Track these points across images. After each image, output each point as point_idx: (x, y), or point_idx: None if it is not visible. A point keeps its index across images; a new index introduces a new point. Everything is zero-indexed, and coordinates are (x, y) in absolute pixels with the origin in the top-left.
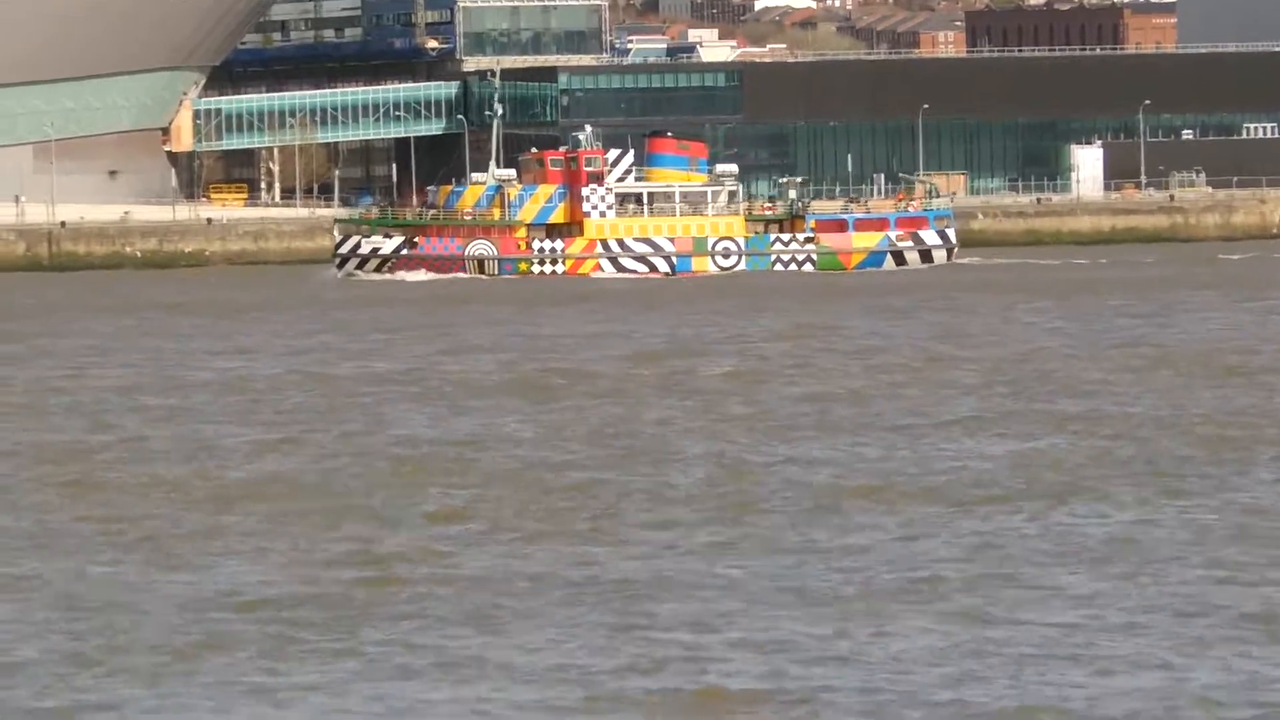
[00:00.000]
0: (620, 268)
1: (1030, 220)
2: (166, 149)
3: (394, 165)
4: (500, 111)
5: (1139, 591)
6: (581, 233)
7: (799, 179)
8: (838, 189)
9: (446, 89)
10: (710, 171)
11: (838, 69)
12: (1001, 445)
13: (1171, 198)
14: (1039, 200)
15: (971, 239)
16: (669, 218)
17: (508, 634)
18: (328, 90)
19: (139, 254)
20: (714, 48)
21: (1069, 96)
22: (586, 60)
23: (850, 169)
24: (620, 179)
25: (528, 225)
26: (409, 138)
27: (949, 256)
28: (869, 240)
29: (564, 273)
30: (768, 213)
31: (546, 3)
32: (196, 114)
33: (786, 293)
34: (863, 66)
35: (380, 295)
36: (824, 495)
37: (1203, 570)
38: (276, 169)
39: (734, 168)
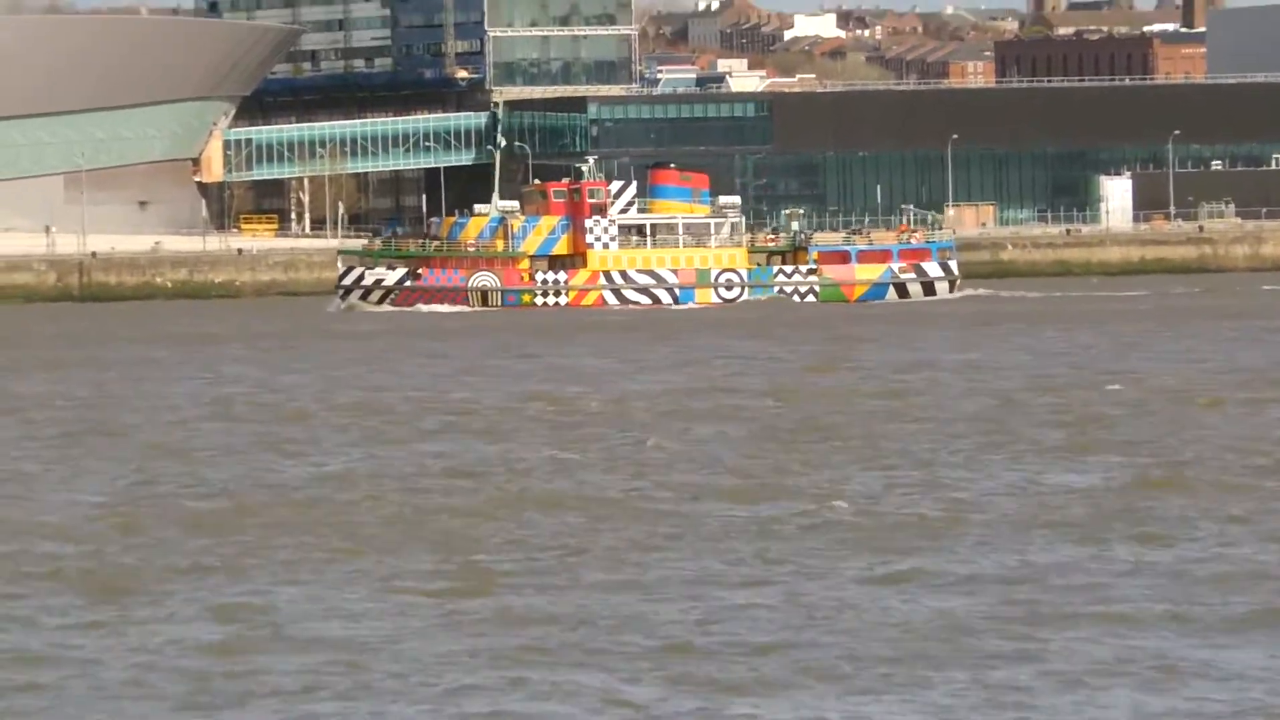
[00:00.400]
0: (623, 299)
1: (1060, 251)
2: (197, 179)
3: (424, 195)
4: (503, 143)
5: None
6: (585, 264)
7: (800, 210)
8: (867, 219)
9: (476, 119)
10: (713, 203)
11: (867, 99)
12: None
13: (1200, 229)
14: (1068, 231)
15: (1001, 270)
16: (672, 249)
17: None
18: (358, 120)
19: (170, 284)
20: (743, 78)
21: (1098, 127)
22: (616, 90)
23: (880, 199)
24: (623, 210)
25: (531, 257)
26: (439, 168)
27: (951, 288)
28: (872, 272)
29: (567, 304)
30: (770, 244)
31: (576, 33)
32: (227, 144)
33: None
34: (892, 97)
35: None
36: None
37: None
38: (307, 199)
39: (736, 199)
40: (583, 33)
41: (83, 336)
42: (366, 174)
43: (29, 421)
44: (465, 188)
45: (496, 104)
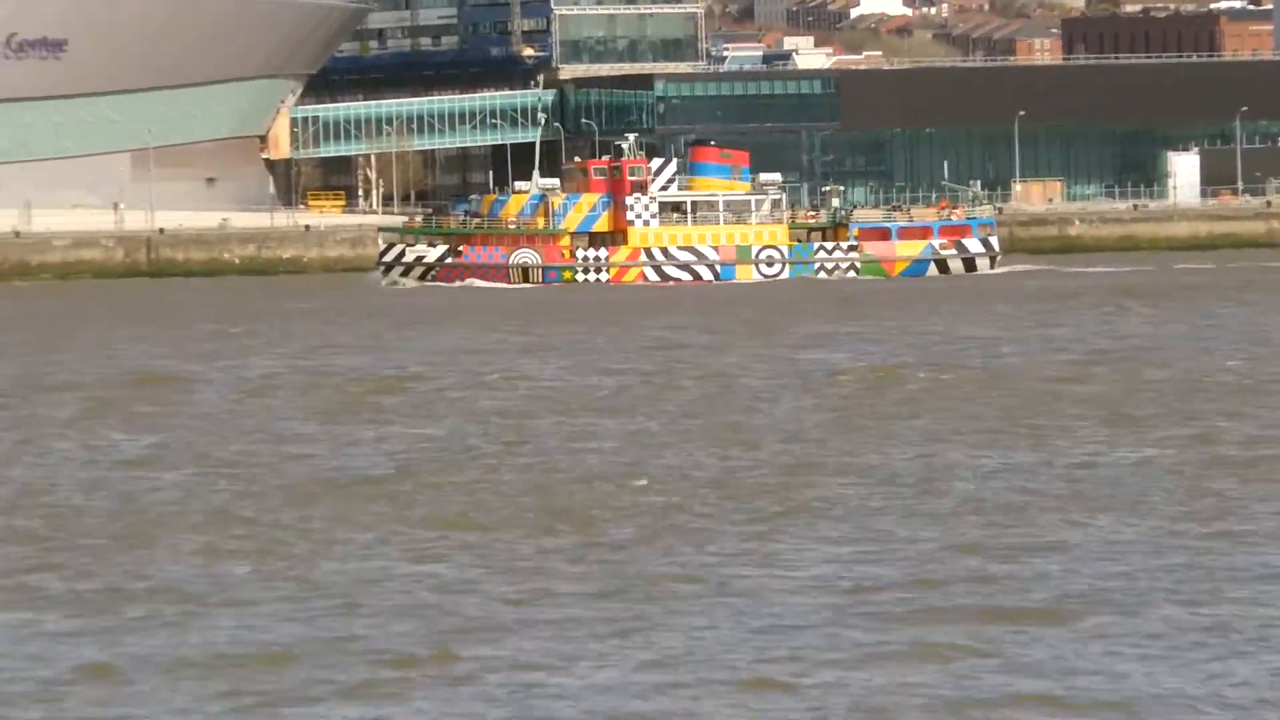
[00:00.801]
0: (664, 276)
1: (1127, 226)
2: (264, 156)
3: (491, 172)
4: (543, 120)
5: None
6: (625, 241)
7: (840, 187)
8: (934, 195)
9: (543, 96)
10: (753, 180)
11: (934, 76)
12: None
13: (1268, 204)
14: (1135, 207)
15: (1068, 245)
16: (713, 226)
17: None
18: (424, 98)
19: (237, 260)
20: (810, 55)
21: (1165, 103)
22: (683, 68)
23: (947, 176)
24: (663, 188)
25: (571, 234)
26: (505, 145)
27: (992, 264)
28: (912, 249)
29: (608, 281)
30: (811, 221)
31: (643, 10)
32: (294, 121)
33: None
34: (959, 73)
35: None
36: None
37: None
38: (374, 176)
39: (777, 176)
40: (649, 10)
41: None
42: (433, 151)
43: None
44: (524, 163)
45: (536, 82)
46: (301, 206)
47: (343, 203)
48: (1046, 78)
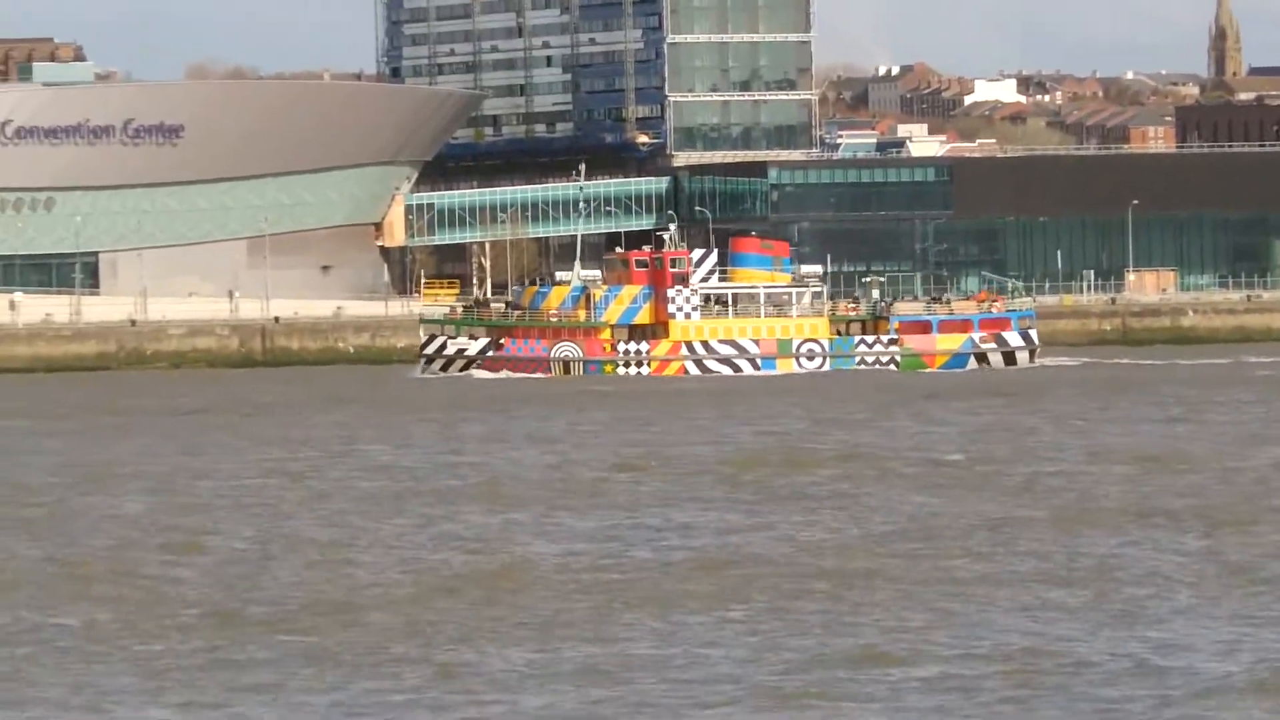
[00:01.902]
0: (705, 369)
1: (1240, 317)
2: (379, 244)
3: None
4: (585, 212)
5: None
6: (666, 334)
7: (882, 279)
8: (1047, 285)
9: (657, 184)
10: (794, 272)
11: (1047, 164)
12: None
13: None
14: (1249, 297)
15: (1181, 336)
16: (753, 319)
17: None
18: (539, 185)
19: (352, 349)
20: (924, 143)
21: (1279, 192)
22: (796, 155)
23: (1060, 265)
24: (704, 279)
25: (612, 326)
26: (619, 232)
27: (1031, 358)
28: (953, 342)
29: (649, 374)
30: (851, 314)
31: (757, 98)
32: (409, 209)
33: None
34: (1072, 161)
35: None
36: None
37: None
38: (488, 264)
39: (818, 268)
40: (763, 98)
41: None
42: (548, 238)
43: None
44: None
45: (577, 172)
46: (416, 295)
47: (456, 291)
48: (1160, 166)
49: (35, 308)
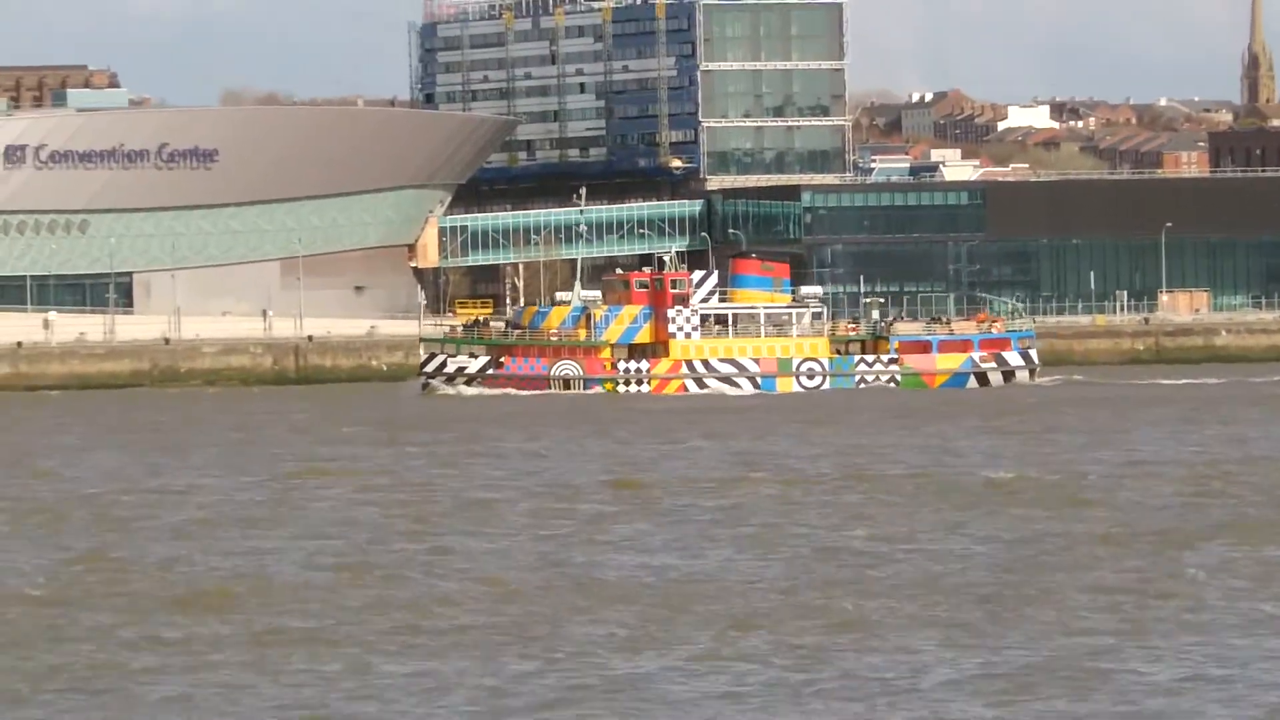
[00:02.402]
0: (705, 388)
1: (1273, 337)
2: (412, 265)
3: None
4: (585, 234)
5: None
6: (666, 353)
7: (880, 299)
8: (1080, 305)
9: (690, 207)
10: (794, 292)
11: (1080, 188)
12: None
13: None
14: None
15: (1214, 355)
16: (753, 339)
17: None
18: (572, 208)
19: (385, 367)
20: (957, 167)
21: None
22: (830, 179)
23: (1093, 285)
24: (704, 300)
25: (613, 345)
26: (652, 255)
27: (1031, 377)
28: (953, 361)
29: (649, 393)
30: (851, 334)
31: (790, 123)
32: (442, 231)
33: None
34: (1105, 185)
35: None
36: None
37: None
38: (521, 285)
39: (818, 289)
40: (796, 124)
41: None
42: (580, 260)
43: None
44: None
45: (579, 195)
46: (450, 315)
47: (490, 311)
48: (1193, 189)
49: (69, 327)
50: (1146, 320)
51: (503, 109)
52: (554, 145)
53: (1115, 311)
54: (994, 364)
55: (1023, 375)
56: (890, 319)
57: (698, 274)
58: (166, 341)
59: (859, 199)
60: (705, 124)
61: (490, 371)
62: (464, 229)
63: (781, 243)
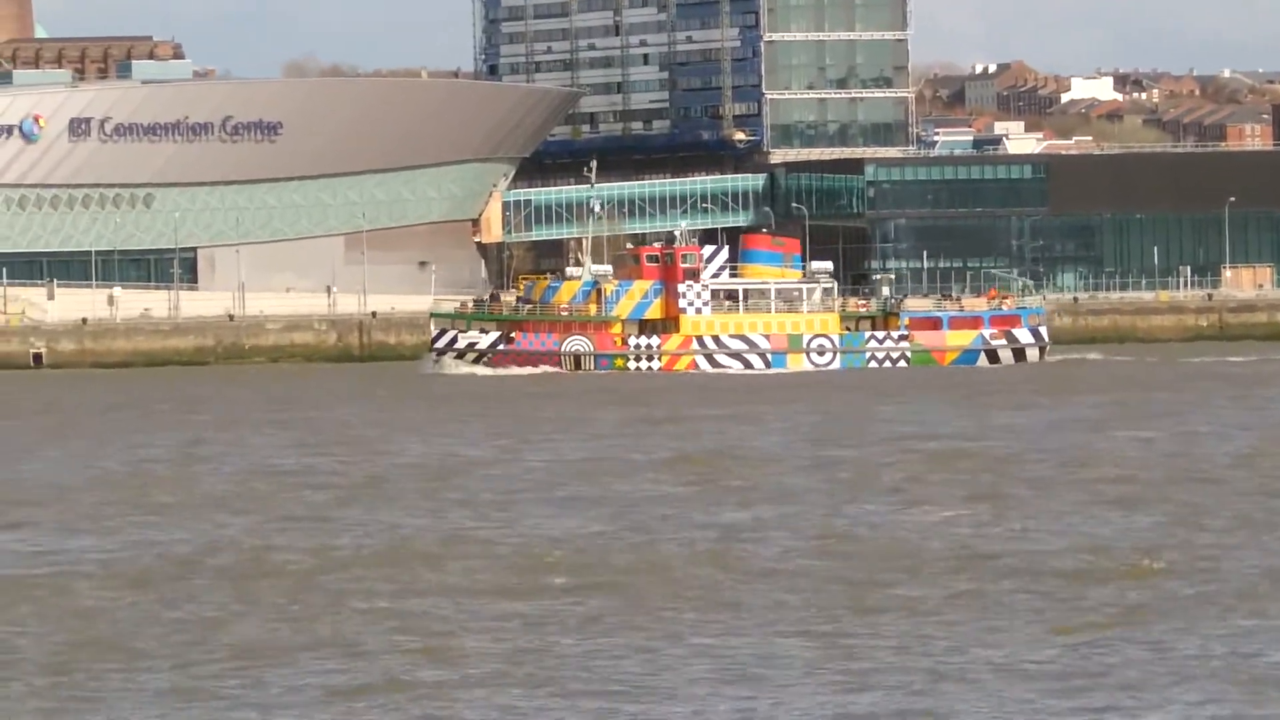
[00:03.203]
0: (715, 364)
1: None
2: (476, 240)
3: None
4: (598, 212)
5: None
6: (677, 329)
7: (891, 275)
8: (1144, 280)
9: (753, 181)
10: (804, 268)
11: (1144, 161)
12: None
13: None
14: None
15: (1278, 331)
16: (764, 314)
17: None
18: (635, 181)
19: None
20: (1020, 140)
21: None
22: (893, 153)
23: (1156, 261)
24: (715, 275)
25: (623, 321)
26: (716, 229)
27: (1041, 355)
28: (963, 338)
29: (660, 369)
30: (862, 310)
31: (853, 95)
32: (506, 205)
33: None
34: (1169, 159)
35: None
36: None
37: None
38: (585, 259)
39: (829, 265)
40: (860, 95)
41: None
42: (644, 234)
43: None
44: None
45: (589, 169)
46: (513, 289)
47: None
48: (1258, 163)
49: (133, 303)
50: (1210, 296)
51: (566, 81)
52: (618, 118)
53: (1178, 287)
54: (1004, 341)
55: (1033, 353)
56: (901, 296)
57: (708, 249)
58: (231, 318)
59: (922, 172)
60: (769, 96)
61: (501, 347)
62: (528, 203)
63: (844, 217)
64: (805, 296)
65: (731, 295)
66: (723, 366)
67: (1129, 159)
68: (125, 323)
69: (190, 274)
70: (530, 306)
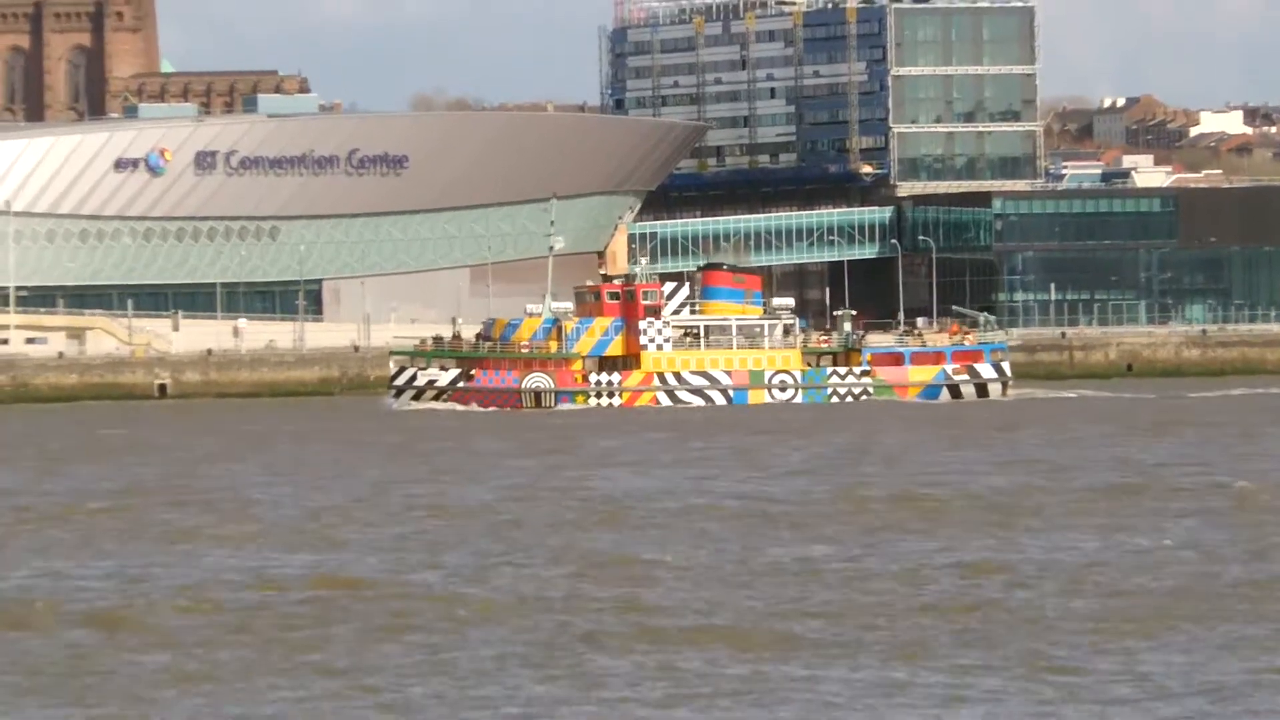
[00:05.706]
0: (677, 400)
1: None
2: (602, 272)
3: (828, 289)
4: (554, 246)
5: None
6: (638, 365)
7: (853, 311)
8: (1274, 314)
9: (880, 214)
10: (765, 305)
11: (1274, 195)
12: None
13: None
14: None
15: None
16: (726, 351)
17: None
18: (762, 214)
19: None
20: (1149, 173)
21: None
22: (1021, 185)
23: None
24: (676, 312)
25: (584, 358)
26: (843, 262)
27: (1004, 390)
28: (925, 374)
29: (621, 405)
30: (824, 346)
31: (981, 129)
32: (632, 238)
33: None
34: None
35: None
36: None
37: None
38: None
39: (790, 301)
40: (987, 129)
41: None
42: (770, 267)
43: None
44: (869, 281)
45: (552, 197)
46: None
47: None
48: None
49: (258, 334)
50: None
51: (693, 114)
52: (744, 151)
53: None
54: (966, 376)
55: (995, 389)
56: (863, 331)
57: (669, 285)
58: (355, 349)
59: (1050, 205)
60: (896, 129)
61: (461, 384)
62: (653, 235)
63: (972, 250)
64: (767, 333)
65: (693, 332)
66: (684, 403)
67: (1258, 192)
68: (250, 354)
69: (315, 306)
70: (490, 344)
